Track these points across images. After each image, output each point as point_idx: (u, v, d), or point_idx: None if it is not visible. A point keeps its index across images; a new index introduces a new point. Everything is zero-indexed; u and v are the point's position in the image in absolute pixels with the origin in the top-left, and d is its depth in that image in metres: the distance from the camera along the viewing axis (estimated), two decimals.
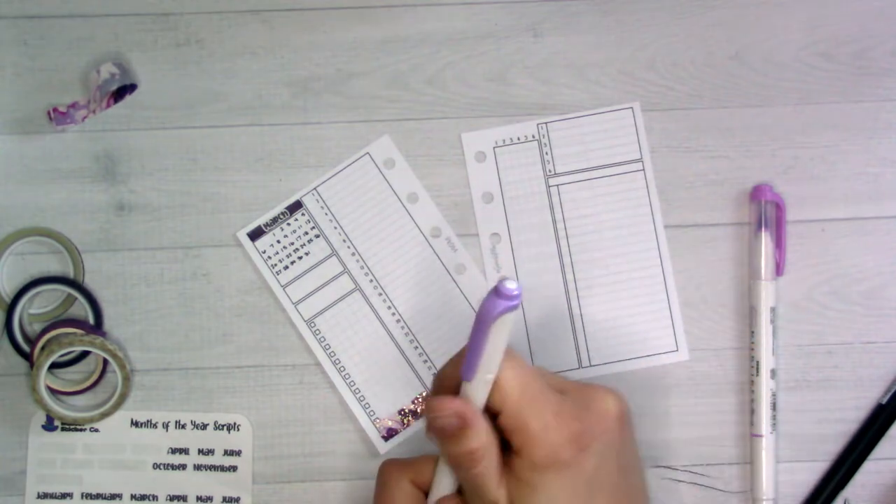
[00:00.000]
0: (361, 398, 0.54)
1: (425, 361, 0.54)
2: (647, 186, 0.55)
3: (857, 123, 0.55)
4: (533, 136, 0.55)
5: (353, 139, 0.55)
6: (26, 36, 0.55)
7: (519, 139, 0.55)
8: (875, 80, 0.56)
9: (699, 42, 0.56)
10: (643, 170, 0.55)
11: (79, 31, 0.55)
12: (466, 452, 0.42)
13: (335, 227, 0.54)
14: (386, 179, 0.55)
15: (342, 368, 0.54)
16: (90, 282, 0.54)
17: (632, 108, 0.55)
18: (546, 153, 0.55)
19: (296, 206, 0.55)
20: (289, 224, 0.54)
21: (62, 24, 0.55)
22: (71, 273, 0.54)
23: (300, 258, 0.54)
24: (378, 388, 0.54)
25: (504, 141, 0.55)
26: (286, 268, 0.54)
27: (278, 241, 0.54)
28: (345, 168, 0.55)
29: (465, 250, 0.55)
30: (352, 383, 0.54)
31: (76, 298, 0.54)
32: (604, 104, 0.55)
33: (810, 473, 0.54)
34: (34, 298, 0.54)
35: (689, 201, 0.55)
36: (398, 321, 0.54)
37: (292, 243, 0.54)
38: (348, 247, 0.54)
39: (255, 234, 0.54)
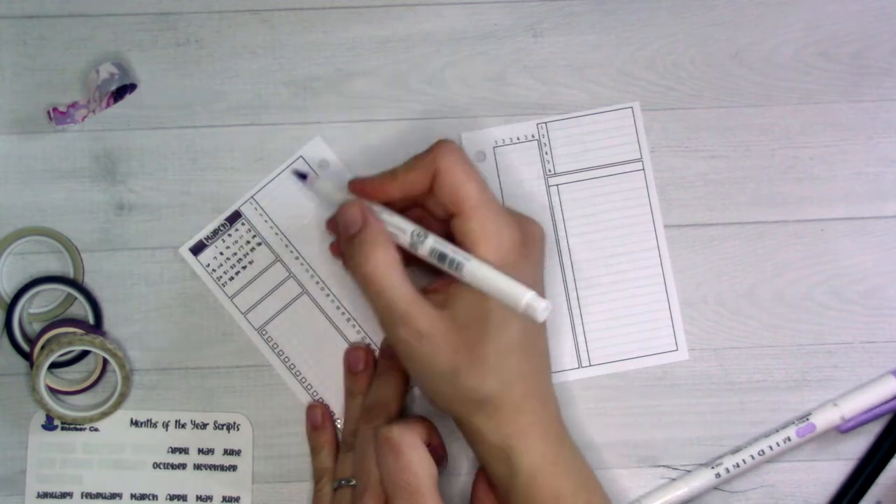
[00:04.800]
0: (320, 400, 0.54)
1: None
2: (647, 186, 0.55)
3: (857, 123, 0.55)
4: (533, 136, 0.55)
5: (354, 139, 0.55)
6: (26, 36, 0.55)
7: (519, 139, 0.55)
8: (875, 80, 0.56)
9: (699, 42, 0.56)
10: (643, 170, 0.55)
11: (79, 31, 0.55)
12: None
13: (276, 234, 0.54)
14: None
15: (298, 373, 0.54)
16: (90, 282, 0.54)
17: (631, 107, 0.55)
18: (546, 153, 0.55)
19: (235, 217, 0.54)
20: (230, 235, 0.54)
21: (62, 24, 0.55)
22: (71, 273, 0.54)
23: (244, 268, 0.54)
24: (334, 389, 0.54)
25: (504, 141, 0.55)
26: (231, 279, 0.54)
27: (221, 254, 0.54)
28: (280, 174, 0.54)
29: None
30: (308, 386, 0.54)
31: (76, 298, 0.54)
32: (603, 104, 0.55)
33: (810, 473, 0.54)
34: (34, 298, 0.54)
35: (689, 201, 0.55)
36: (349, 320, 0.54)
37: (235, 254, 0.54)
38: (291, 251, 0.54)
39: (198, 249, 0.54)
